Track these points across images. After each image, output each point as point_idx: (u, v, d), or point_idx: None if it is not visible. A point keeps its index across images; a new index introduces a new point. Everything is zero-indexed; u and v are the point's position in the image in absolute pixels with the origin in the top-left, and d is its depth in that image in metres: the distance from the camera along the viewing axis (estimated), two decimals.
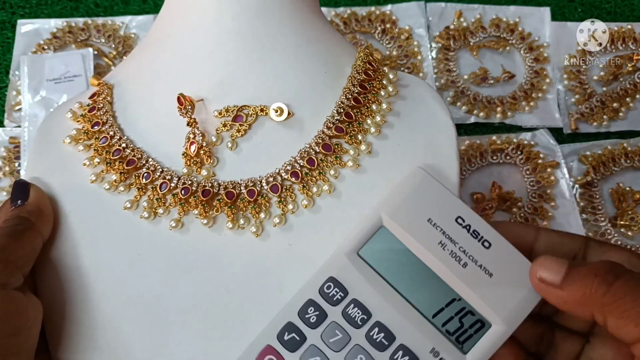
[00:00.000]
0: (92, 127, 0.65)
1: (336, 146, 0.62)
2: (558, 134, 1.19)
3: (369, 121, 0.64)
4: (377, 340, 0.53)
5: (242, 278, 0.60)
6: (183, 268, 0.60)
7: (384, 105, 0.65)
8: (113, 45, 1.24)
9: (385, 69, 0.68)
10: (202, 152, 0.62)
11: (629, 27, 1.24)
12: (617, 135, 1.20)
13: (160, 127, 0.64)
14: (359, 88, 0.64)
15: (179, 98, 0.61)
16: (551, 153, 1.14)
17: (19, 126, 1.15)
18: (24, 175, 1.09)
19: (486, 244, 0.54)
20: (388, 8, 1.28)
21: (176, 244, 0.61)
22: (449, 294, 0.54)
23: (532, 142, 1.16)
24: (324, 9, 1.26)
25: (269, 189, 0.61)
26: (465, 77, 1.24)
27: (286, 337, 0.54)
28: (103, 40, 1.24)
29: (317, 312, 0.54)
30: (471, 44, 1.27)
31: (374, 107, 0.65)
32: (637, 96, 1.20)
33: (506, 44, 1.26)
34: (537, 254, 0.56)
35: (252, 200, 0.61)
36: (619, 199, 1.10)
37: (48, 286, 0.60)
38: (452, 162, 0.63)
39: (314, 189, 0.61)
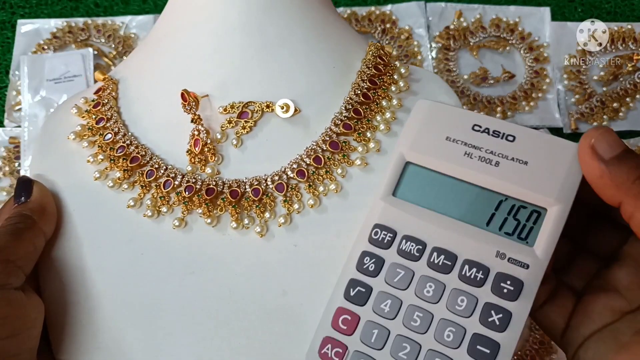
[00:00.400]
0: (97, 123, 0.63)
1: (344, 144, 0.60)
2: (558, 134, 1.17)
3: (378, 118, 0.62)
4: (440, 264, 0.52)
5: (245, 279, 0.58)
6: (186, 269, 0.58)
7: (395, 102, 0.62)
8: (113, 45, 1.22)
9: (397, 63, 0.65)
10: (206, 149, 0.59)
11: (629, 27, 1.23)
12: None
13: (165, 124, 0.62)
14: (368, 83, 0.62)
15: (182, 94, 0.59)
16: None
17: (19, 126, 1.14)
18: (28, 172, 1.06)
19: (510, 138, 0.53)
20: (388, 8, 1.27)
21: (179, 243, 0.59)
22: (493, 197, 0.53)
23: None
24: None
25: (274, 188, 0.59)
26: (465, 77, 1.22)
27: (352, 294, 0.53)
28: (103, 40, 1.22)
29: (373, 260, 0.53)
30: (471, 44, 1.25)
31: (384, 103, 0.62)
32: (637, 96, 1.18)
33: (506, 44, 1.24)
34: None
35: (256, 199, 0.58)
36: None
37: (51, 286, 0.58)
38: None
39: (321, 188, 0.59)
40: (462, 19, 1.26)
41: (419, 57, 1.23)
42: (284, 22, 0.62)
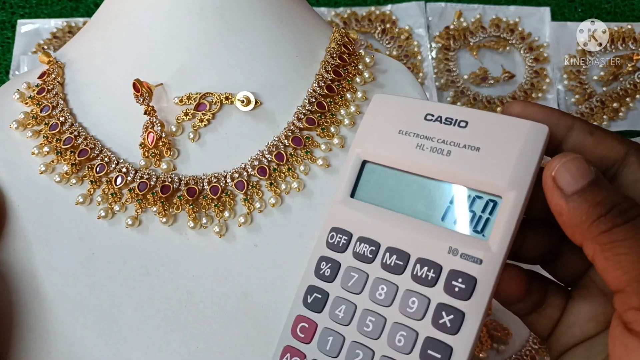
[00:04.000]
0: (41, 111, 0.57)
1: (307, 140, 0.55)
2: None
3: (342, 112, 0.57)
4: (392, 264, 0.47)
5: (204, 281, 0.53)
6: (141, 270, 0.53)
7: (359, 94, 0.57)
8: None
9: (362, 51, 0.60)
10: (160, 143, 0.54)
11: (629, 27, 1.20)
12: None
13: (116, 114, 0.57)
14: (332, 75, 0.57)
15: (134, 84, 0.53)
16: None
17: None
18: None
19: (462, 124, 0.47)
20: (388, 8, 1.24)
21: (133, 243, 0.54)
22: (447, 189, 0.47)
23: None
24: (324, 9, 1.22)
25: (234, 186, 0.54)
26: (465, 77, 1.20)
27: (310, 300, 0.49)
28: None
29: (329, 265, 0.49)
30: (471, 44, 1.22)
31: (348, 95, 0.57)
32: (637, 96, 1.16)
33: (506, 44, 1.22)
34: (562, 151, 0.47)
35: (215, 197, 0.53)
36: None
37: None
38: None
39: (283, 186, 0.54)
40: (462, 19, 1.23)
41: (419, 57, 1.20)
42: (244, 7, 0.57)
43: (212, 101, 0.55)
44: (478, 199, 0.46)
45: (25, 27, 1.19)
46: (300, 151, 0.55)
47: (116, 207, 0.54)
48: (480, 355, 0.94)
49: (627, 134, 1.13)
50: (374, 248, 0.48)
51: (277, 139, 0.55)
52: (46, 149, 0.55)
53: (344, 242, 0.49)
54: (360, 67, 0.59)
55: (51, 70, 0.59)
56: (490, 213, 0.46)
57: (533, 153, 0.45)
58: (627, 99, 1.15)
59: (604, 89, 1.17)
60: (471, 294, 0.45)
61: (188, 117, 0.55)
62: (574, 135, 0.47)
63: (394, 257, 0.47)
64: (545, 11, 1.22)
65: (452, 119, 0.48)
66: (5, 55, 1.17)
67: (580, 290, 0.50)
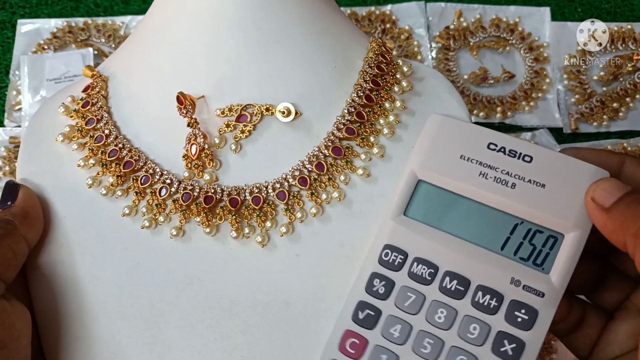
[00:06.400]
0: (86, 124, 0.57)
1: (347, 149, 0.56)
2: (558, 134, 1.16)
3: (381, 121, 0.57)
4: (452, 289, 0.49)
5: (246, 290, 0.54)
6: (184, 279, 0.54)
7: (398, 103, 0.57)
8: (113, 45, 1.19)
9: (400, 60, 0.60)
10: (203, 154, 0.55)
11: (629, 27, 1.21)
12: (617, 135, 1.17)
13: (158, 126, 0.57)
14: (371, 84, 0.57)
15: (178, 97, 0.54)
16: None
17: (19, 126, 1.12)
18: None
19: (527, 158, 0.49)
20: (388, 8, 1.24)
21: (177, 253, 0.54)
22: (509, 220, 0.49)
23: (532, 142, 1.12)
24: None
25: (275, 196, 0.54)
26: (465, 77, 1.20)
27: (361, 317, 0.50)
28: (103, 40, 1.20)
29: (383, 282, 0.50)
30: (471, 44, 1.23)
31: (387, 105, 0.57)
32: (637, 96, 1.17)
33: (506, 44, 1.22)
34: None
35: (257, 208, 0.54)
36: None
37: (42, 295, 0.54)
38: None
39: (323, 196, 0.55)
40: (462, 19, 1.24)
41: (419, 57, 1.21)
42: (281, 17, 0.57)
43: (253, 112, 0.55)
44: (539, 233, 0.48)
45: (26, 27, 1.19)
46: (340, 161, 0.55)
47: (160, 218, 0.54)
48: None
49: (627, 134, 1.15)
50: (432, 270, 0.49)
51: (317, 149, 0.55)
52: (92, 161, 0.56)
53: (400, 261, 0.50)
54: (398, 76, 0.59)
55: (95, 83, 0.60)
56: (551, 248, 0.48)
57: None
58: (627, 99, 1.16)
59: (604, 89, 1.18)
60: (533, 325, 0.47)
61: (229, 128, 0.55)
62: (627, 170, 0.51)
63: (455, 282, 0.49)
64: (545, 11, 1.23)
65: (516, 152, 0.50)
66: (5, 55, 1.17)
67: (621, 312, 0.53)
